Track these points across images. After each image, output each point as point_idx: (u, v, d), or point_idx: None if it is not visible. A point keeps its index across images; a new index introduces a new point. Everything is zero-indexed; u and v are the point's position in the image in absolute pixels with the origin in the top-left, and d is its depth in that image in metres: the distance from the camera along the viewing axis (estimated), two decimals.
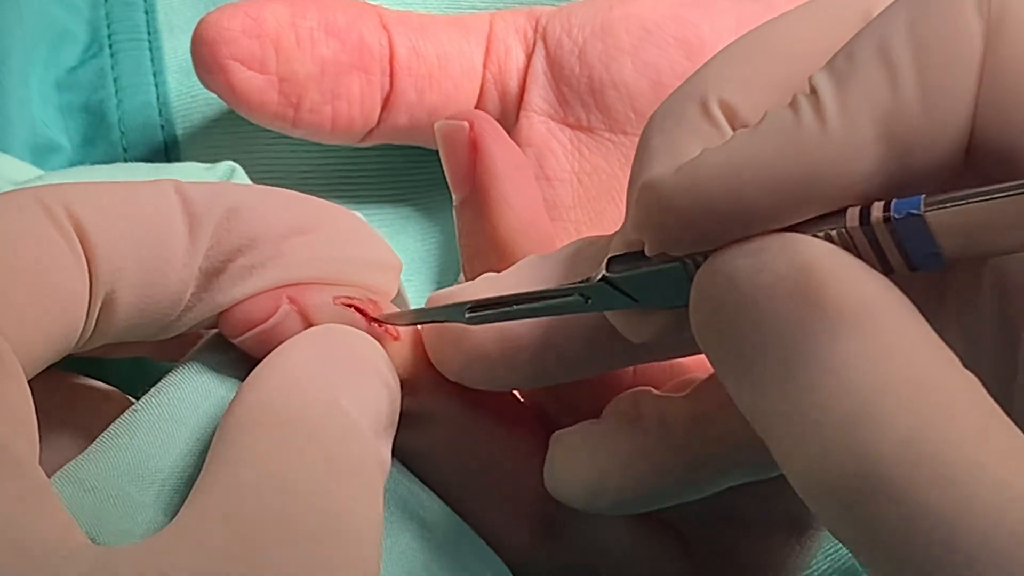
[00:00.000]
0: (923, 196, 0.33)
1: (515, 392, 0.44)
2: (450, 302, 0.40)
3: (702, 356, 0.37)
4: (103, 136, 0.55)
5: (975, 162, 0.34)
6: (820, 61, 0.35)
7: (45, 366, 0.35)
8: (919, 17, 0.33)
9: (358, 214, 0.47)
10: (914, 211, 0.33)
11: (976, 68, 0.33)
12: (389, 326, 0.40)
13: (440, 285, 0.56)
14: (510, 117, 0.52)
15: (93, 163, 0.54)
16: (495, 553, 0.42)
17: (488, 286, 0.40)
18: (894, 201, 0.33)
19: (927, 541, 0.29)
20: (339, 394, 0.36)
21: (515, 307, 0.39)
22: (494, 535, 0.42)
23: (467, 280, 0.44)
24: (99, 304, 0.36)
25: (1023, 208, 0.32)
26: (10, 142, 0.52)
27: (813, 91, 0.34)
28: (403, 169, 0.56)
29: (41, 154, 0.54)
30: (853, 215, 0.34)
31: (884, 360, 0.31)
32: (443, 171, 0.46)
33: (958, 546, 0.29)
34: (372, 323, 0.40)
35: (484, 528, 0.42)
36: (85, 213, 0.36)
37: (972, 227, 0.33)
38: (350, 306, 0.39)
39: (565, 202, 0.51)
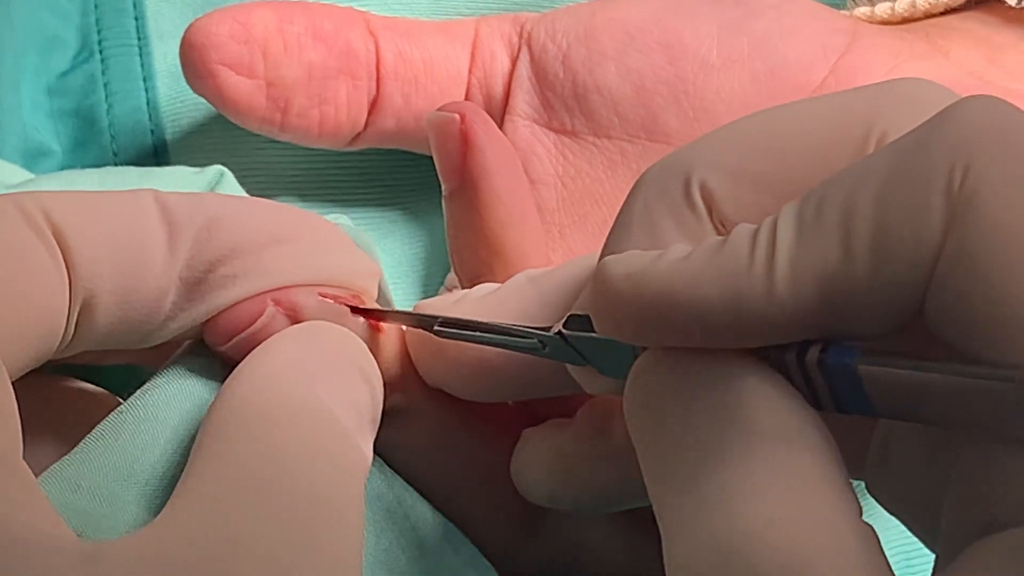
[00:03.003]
0: (859, 351, 0.33)
1: None
2: (427, 312, 0.40)
3: None
4: (93, 140, 0.55)
5: (918, 328, 0.33)
6: (810, 167, 0.35)
7: (25, 370, 0.36)
8: (888, 187, 0.32)
9: (344, 218, 0.48)
10: (848, 361, 0.33)
11: (931, 256, 0.32)
12: (373, 320, 0.40)
13: (427, 288, 0.56)
14: (495, 121, 0.52)
15: (84, 167, 0.54)
16: (478, 549, 0.43)
17: (470, 308, 0.40)
18: (831, 348, 0.33)
19: None
20: (319, 390, 0.36)
21: (480, 333, 0.40)
22: (477, 530, 0.43)
23: (456, 274, 0.44)
24: (78, 309, 0.37)
25: (952, 390, 0.32)
26: (1, 146, 0.53)
27: (775, 226, 0.33)
28: (390, 173, 0.57)
29: (32, 158, 0.54)
30: (791, 351, 0.34)
31: (783, 491, 0.31)
32: (431, 175, 0.46)
33: None
34: (356, 315, 0.40)
35: (467, 523, 0.43)
36: (64, 219, 0.36)
37: (905, 390, 0.33)
38: (334, 299, 0.40)
39: (549, 205, 0.51)
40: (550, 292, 0.41)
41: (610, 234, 0.38)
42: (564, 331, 0.38)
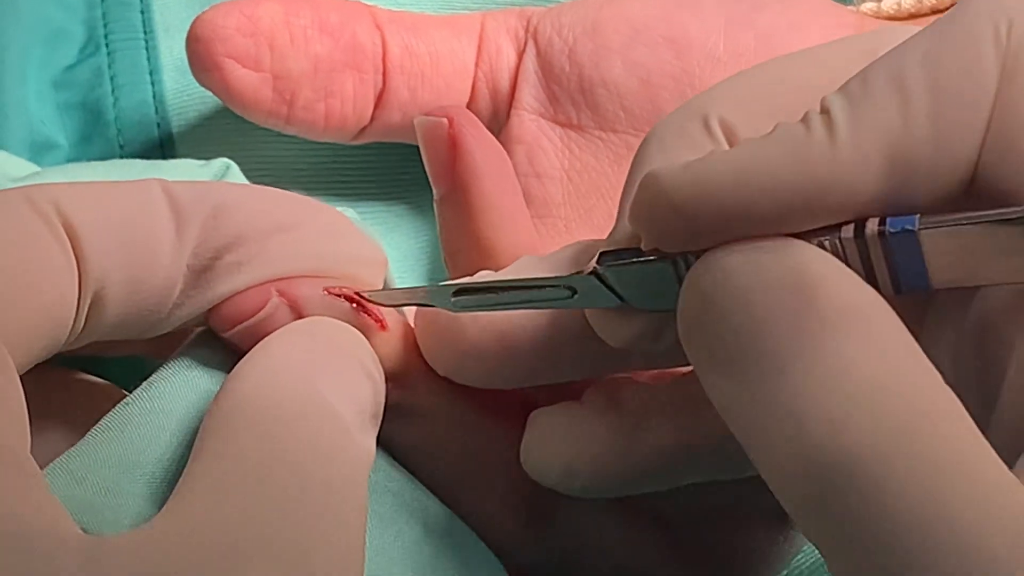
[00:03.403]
0: (919, 215, 0.34)
1: None
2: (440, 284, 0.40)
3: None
4: (100, 133, 0.55)
5: (976, 196, 0.34)
6: (824, 93, 0.35)
7: (35, 362, 0.36)
8: (936, 47, 0.34)
9: (350, 211, 0.48)
10: (909, 227, 0.34)
11: (988, 105, 0.33)
12: (377, 317, 0.40)
13: (432, 282, 0.56)
14: (501, 115, 0.53)
15: (90, 160, 0.54)
16: (484, 542, 0.43)
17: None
18: (889, 218, 0.34)
19: (903, 537, 0.30)
20: (321, 386, 0.36)
21: (502, 295, 0.39)
22: (481, 523, 0.43)
23: (450, 278, 0.44)
24: (88, 301, 0.37)
25: (1014, 237, 0.32)
26: (7, 140, 0.53)
27: (825, 111, 0.34)
28: (396, 167, 0.57)
29: (38, 151, 0.54)
30: (848, 228, 0.34)
31: (875, 361, 0.31)
32: None
33: (932, 544, 0.29)
34: (359, 311, 0.40)
35: (471, 517, 0.43)
36: (74, 211, 0.36)
37: (963, 250, 0.33)
38: (339, 295, 0.40)
39: (555, 199, 0.51)
40: (558, 262, 0.40)
41: (629, 174, 0.38)
42: (599, 267, 0.37)
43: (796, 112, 0.35)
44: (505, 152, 0.44)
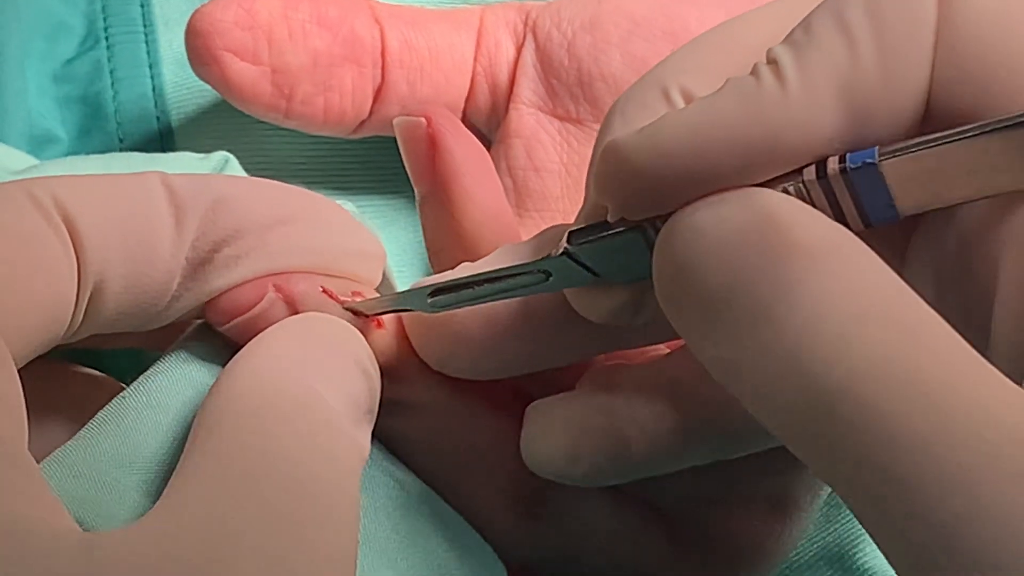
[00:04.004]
0: (877, 147, 0.34)
1: None
2: (417, 287, 0.40)
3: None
4: (99, 127, 0.55)
5: (932, 122, 0.35)
6: (776, 41, 0.36)
7: (34, 356, 0.36)
8: None
9: (349, 205, 0.48)
10: (869, 160, 0.34)
11: (932, 32, 0.34)
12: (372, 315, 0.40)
13: (431, 275, 0.56)
14: (500, 109, 0.53)
15: (89, 154, 0.54)
16: (480, 536, 0.43)
17: (465, 274, 0.40)
18: (849, 154, 0.34)
19: (905, 460, 0.30)
20: (315, 381, 0.36)
21: (476, 288, 0.39)
22: (478, 517, 0.43)
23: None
24: (87, 294, 0.37)
25: (975, 152, 0.33)
26: (7, 133, 0.53)
27: (772, 61, 0.35)
28: (394, 160, 0.56)
29: (38, 145, 0.54)
30: (810, 170, 0.35)
31: (855, 292, 0.32)
32: None
33: (933, 461, 0.29)
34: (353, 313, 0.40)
35: (468, 511, 0.43)
36: (73, 204, 0.36)
37: (926, 174, 0.34)
38: (333, 297, 0.40)
39: (553, 192, 0.51)
40: (535, 248, 0.40)
41: (594, 150, 0.38)
42: (569, 247, 0.38)
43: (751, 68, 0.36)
44: (485, 150, 0.44)
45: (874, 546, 0.50)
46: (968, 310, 0.35)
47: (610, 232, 0.37)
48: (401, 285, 0.45)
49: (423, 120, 0.43)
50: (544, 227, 0.50)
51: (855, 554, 0.51)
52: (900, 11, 0.34)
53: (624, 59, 0.51)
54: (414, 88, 0.52)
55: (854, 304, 0.32)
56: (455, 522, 0.42)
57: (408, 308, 0.40)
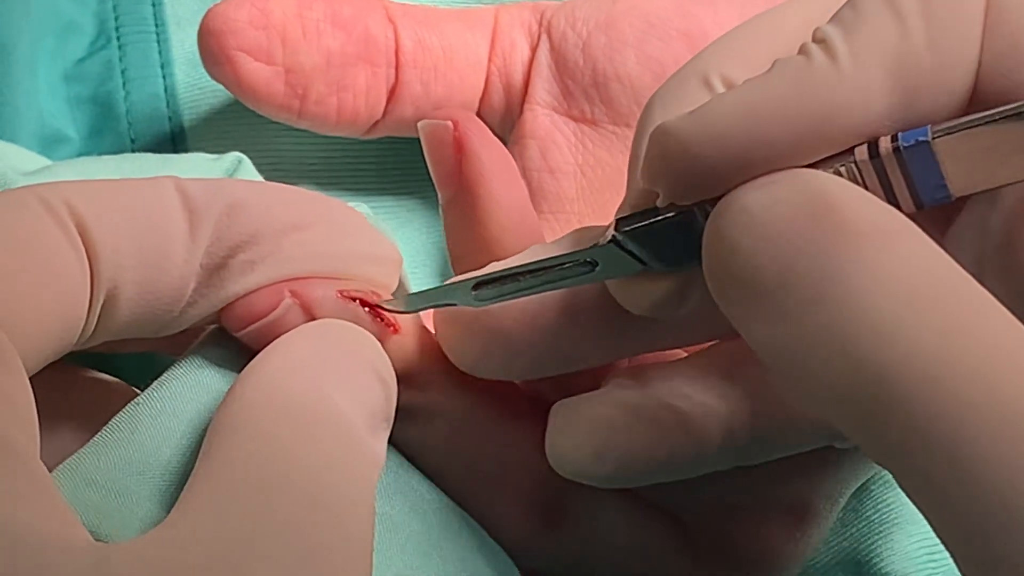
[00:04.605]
0: (930, 126, 0.34)
1: (515, 383, 0.44)
2: (457, 280, 0.40)
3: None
4: (111, 127, 0.55)
5: (982, 101, 0.35)
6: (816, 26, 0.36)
7: (47, 363, 0.36)
8: None
9: (363, 206, 0.48)
10: (922, 138, 0.34)
11: (981, 8, 0.34)
12: (389, 319, 0.40)
13: (445, 276, 0.56)
14: (514, 110, 0.53)
15: (100, 154, 0.54)
16: (497, 543, 0.43)
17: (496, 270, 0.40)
18: (901, 133, 0.34)
19: (967, 440, 0.30)
20: (332, 389, 0.36)
21: (520, 280, 0.39)
22: (495, 524, 0.43)
23: None
24: (101, 301, 0.36)
25: None
26: (18, 133, 0.52)
27: (821, 40, 0.35)
28: (408, 161, 0.57)
29: (49, 145, 0.54)
30: (862, 150, 0.35)
31: (907, 271, 0.32)
32: None
33: (996, 441, 0.29)
34: (372, 314, 0.40)
35: (485, 518, 0.43)
36: (86, 210, 0.36)
37: (979, 152, 0.34)
38: (354, 299, 0.39)
39: (568, 194, 0.51)
40: (571, 245, 0.40)
41: (634, 141, 0.38)
42: (617, 234, 0.37)
43: (793, 53, 0.36)
44: (510, 154, 0.44)
45: (892, 550, 0.50)
46: (1014, 294, 0.35)
47: (659, 218, 0.37)
48: (415, 287, 0.44)
49: (449, 124, 0.43)
50: (559, 229, 0.50)
51: (872, 559, 0.51)
52: None
53: (639, 59, 0.51)
54: (428, 88, 0.52)
55: (909, 285, 0.31)
56: (471, 529, 0.42)
57: (451, 303, 0.40)
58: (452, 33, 0.53)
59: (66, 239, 0.36)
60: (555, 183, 0.51)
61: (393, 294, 0.41)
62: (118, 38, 0.56)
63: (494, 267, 0.40)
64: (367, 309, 0.40)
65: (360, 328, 0.39)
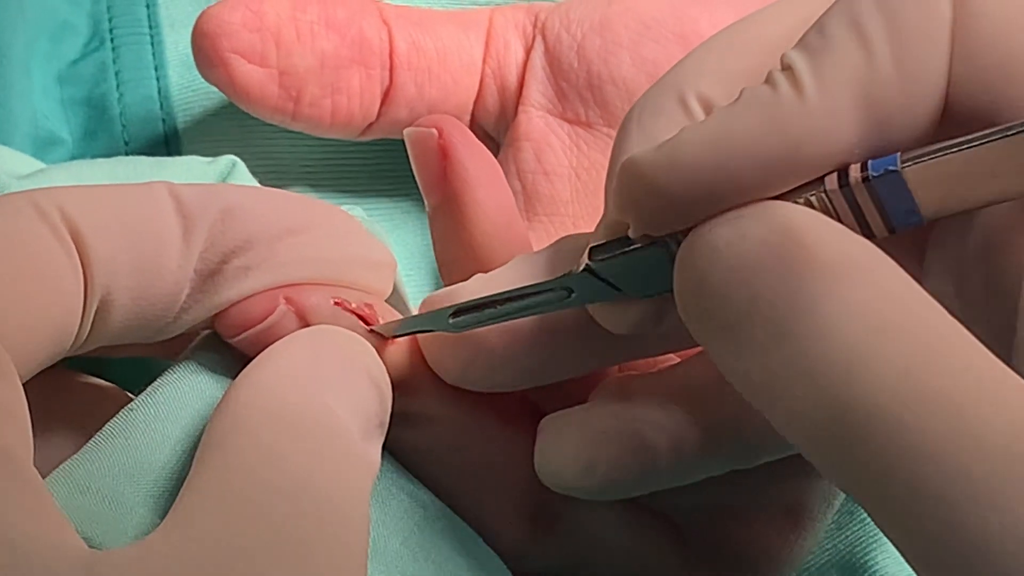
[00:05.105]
0: (899, 153, 0.34)
1: None
2: (437, 307, 0.40)
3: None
4: (104, 129, 0.55)
5: (951, 123, 0.34)
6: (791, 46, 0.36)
7: (40, 368, 0.36)
8: None
9: (357, 208, 0.48)
10: (891, 167, 0.34)
11: (947, 34, 0.34)
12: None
13: (439, 279, 0.56)
14: (509, 112, 0.53)
15: (94, 156, 0.54)
16: (491, 549, 0.43)
17: (480, 286, 0.40)
18: (871, 161, 0.34)
19: (932, 476, 0.30)
20: (327, 395, 0.36)
21: (498, 307, 0.39)
22: (489, 529, 0.43)
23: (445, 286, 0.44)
24: (94, 307, 0.36)
25: (998, 155, 0.33)
26: (11, 135, 0.52)
27: (788, 67, 0.35)
28: (402, 163, 0.56)
29: (42, 147, 0.54)
30: (832, 179, 0.34)
31: (875, 306, 0.32)
32: None
33: (962, 477, 0.29)
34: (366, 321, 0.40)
35: (480, 523, 0.43)
36: (80, 216, 0.36)
37: (949, 179, 0.33)
38: (347, 311, 0.39)
39: (563, 197, 0.51)
40: (551, 258, 0.40)
41: (611, 159, 0.38)
42: (590, 263, 0.37)
43: (768, 67, 0.35)
44: (496, 161, 0.44)
45: (886, 553, 0.50)
46: (990, 315, 0.35)
47: (631, 248, 0.37)
48: (410, 290, 0.44)
49: (434, 131, 0.43)
50: (553, 231, 0.50)
51: (867, 561, 0.51)
52: (915, 13, 0.34)
53: (634, 61, 0.51)
54: (422, 90, 0.52)
55: (875, 318, 0.31)
56: (466, 535, 0.42)
57: (429, 329, 0.40)
58: (446, 35, 0.52)
59: (59, 245, 0.36)
60: (549, 185, 0.51)
61: (388, 300, 0.41)
62: (112, 40, 0.56)
63: (475, 282, 0.40)
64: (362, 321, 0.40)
65: (355, 334, 0.39)
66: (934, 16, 0.34)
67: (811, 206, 0.34)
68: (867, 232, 0.35)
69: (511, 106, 0.52)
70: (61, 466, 0.36)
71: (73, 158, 0.54)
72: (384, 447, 0.38)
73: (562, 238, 0.41)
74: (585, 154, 0.51)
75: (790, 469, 0.43)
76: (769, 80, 0.35)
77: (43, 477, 0.34)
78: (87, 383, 0.42)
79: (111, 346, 0.39)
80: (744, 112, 0.34)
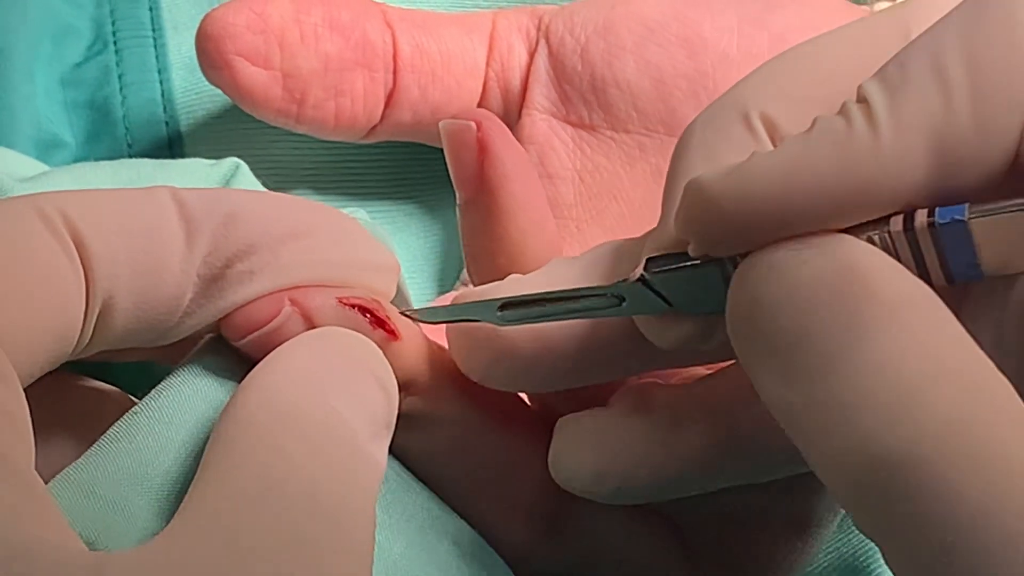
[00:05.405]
0: (967, 204, 0.34)
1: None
2: (481, 299, 0.40)
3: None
4: (108, 132, 0.55)
5: (1016, 180, 0.34)
6: (861, 75, 0.35)
7: (42, 373, 0.36)
8: (972, 31, 0.34)
9: (360, 211, 0.47)
10: (958, 217, 0.34)
11: None
12: (390, 327, 0.40)
13: (443, 282, 0.56)
14: (512, 115, 0.53)
15: (97, 159, 0.54)
16: (497, 552, 0.43)
17: (518, 287, 0.40)
18: (938, 208, 0.34)
19: (962, 530, 0.29)
20: (333, 397, 0.36)
21: (548, 306, 0.39)
22: (495, 533, 0.43)
23: (472, 282, 0.44)
24: (96, 311, 0.36)
25: None
26: (15, 138, 0.52)
27: (863, 100, 0.34)
28: (406, 166, 0.56)
29: (46, 150, 0.54)
30: (897, 221, 0.34)
31: (927, 351, 0.32)
32: (446, 168, 0.46)
33: (997, 537, 0.29)
34: (372, 322, 0.40)
35: (485, 526, 0.43)
36: (82, 220, 0.36)
37: (1014, 236, 0.33)
38: (355, 307, 0.39)
39: (566, 200, 0.51)
40: (589, 264, 0.40)
41: (670, 171, 0.38)
42: (646, 274, 0.37)
43: (835, 99, 0.35)
44: (528, 157, 0.44)
45: None
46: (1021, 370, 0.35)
47: (688, 264, 0.37)
48: (413, 292, 0.44)
49: (472, 124, 0.43)
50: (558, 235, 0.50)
51: (869, 564, 0.51)
52: (996, 60, 0.34)
53: (638, 65, 0.51)
54: (426, 93, 0.52)
55: (926, 363, 0.31)
56: (470, 538, 0.42)
57: (474, 318, 0.40)
58: (450, 38, 0.52)
59: (61, 250, 0.35)
60: (553, 189, 0.51)
61: (392, 302, 0.41)
62: (115, 43, 0.55)
63: (514, 280, 0.40)
64: (368, 316, 0.39)
65: (361, 336, 0.39)
66: (1014, 64, 0.33)
67: (872, 243, 0.34)
68: (925, 278, 0.34)
69: (514, 109, 0.53)
70: (64, 471, 0.36)
71: (76, 161, 0.54)
72: (389, 449, 0.38)
73: (602, 245, 0.41)
74: (589, 157, 0.51)
75: (798, 479, 0.43)
76: (844, 112, 0.34)
77: (46, 482, 0.34)
78: (90, 387, 0.42)
79: (114, 350, 0.39)
80: (817, 145, 0.34)
